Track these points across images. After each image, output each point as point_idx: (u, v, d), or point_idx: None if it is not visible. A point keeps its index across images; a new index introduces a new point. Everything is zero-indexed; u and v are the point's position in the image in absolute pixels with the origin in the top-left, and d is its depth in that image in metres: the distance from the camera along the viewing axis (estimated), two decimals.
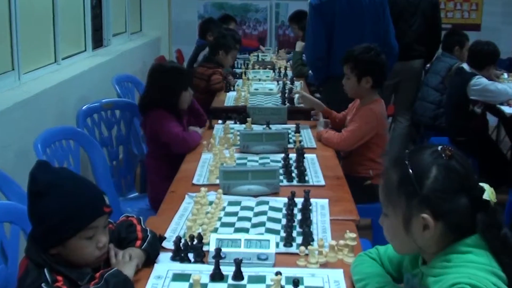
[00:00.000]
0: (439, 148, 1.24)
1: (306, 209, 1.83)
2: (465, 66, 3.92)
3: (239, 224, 1.79)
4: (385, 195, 1.28)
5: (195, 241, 1.57)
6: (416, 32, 4.37)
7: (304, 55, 4.79)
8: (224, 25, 5.35)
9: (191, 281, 1.42)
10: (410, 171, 1.22)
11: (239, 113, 3.09)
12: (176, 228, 1.76)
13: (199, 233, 1.61)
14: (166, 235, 1.68)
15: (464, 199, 1.19)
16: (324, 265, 1.54)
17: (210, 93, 4.03)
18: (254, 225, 1.77)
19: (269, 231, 1.73)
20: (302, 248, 1.57)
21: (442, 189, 1.19)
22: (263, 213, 1.86)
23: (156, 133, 2.64)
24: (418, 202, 1.21)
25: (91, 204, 1.41)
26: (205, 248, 1.57)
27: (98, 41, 4.65)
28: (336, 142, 2.68)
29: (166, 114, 2.67)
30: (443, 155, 1.22)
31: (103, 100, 3.11)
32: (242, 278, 1.46)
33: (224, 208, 1.92)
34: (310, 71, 3.67)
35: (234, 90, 4.01)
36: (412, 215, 1.22)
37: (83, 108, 3.00)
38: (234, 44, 4.29)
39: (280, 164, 2.32)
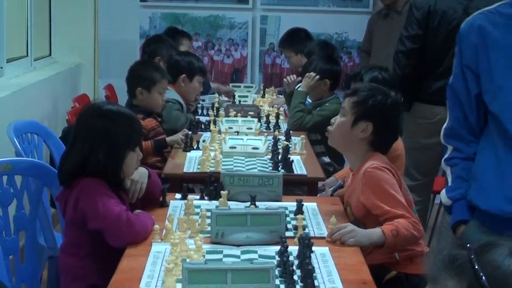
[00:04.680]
0: None
1: None
2: None
3: None
4: None
5: None
6: None
7: (309, 99, 4.95)
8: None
9: None
10: (485, 282, 1.28)
11: (208, 184, 3.19)
12: None
13: None
14: None
15: None
16: None
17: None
18: None
19: None
20: None
21: None
22: None
23: (84, 214, 2.70)
24: None
25: None
26: None
27: None
28: (413, 235, 2.78)
29: (101, 186, 2.73)
30: None
31: None
32: None
33: None
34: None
35: (198, 148, 4.12)
36: None
37: None
38: (161, 75, 4.38)
39: (275, 262, 2.39)
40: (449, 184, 2.62)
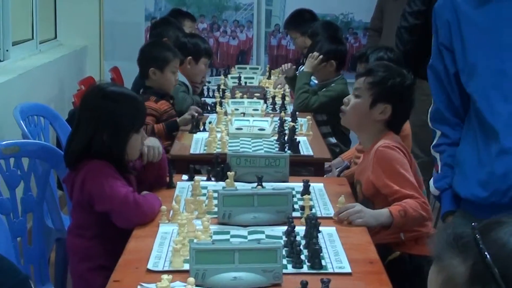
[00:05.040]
0: None
1: None
2: None
3: None
4: None
5: None
6: None
7: (315, 80, 4.95)
8: None
9: None
10: (489, 260, 1.27)
11: (215, 165, 3.20)
12: None
13: None
14: None
15: None
16: None
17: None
18: None
19: None
20: None
21: None
22: None
23: (90, 196, 2.70)
24: None
25: None
26: None
27: None
28: (422, 215, 2.77)
29: (107, 168, 2.73)
30: None
31: (3, 142, 3.18)
32: None
33: None
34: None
35: (204, 129, 4.13)
36: None
37: None
38: (173, 54, 4.37)
39: (282, 242, 2.40)
40: (438, 172, 2.52)
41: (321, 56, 4.83)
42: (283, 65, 5.30)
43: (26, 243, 3.11)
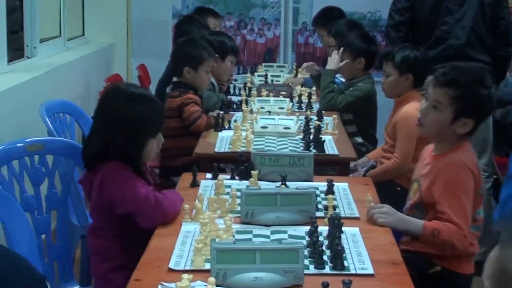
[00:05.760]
0: None
1: None
2: None
3: None
4: None
5: None
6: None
7: (340, 78, 4.94)
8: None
9: None
10: None
11: (239, 164, 3.19)
12: None
13: None
14: None
15: None
16: None
17: (190, 135, 4.16)
18: None
19: None
20: None
21: None
22: None
23: (111, 200, 2.69)
24: None
25: None
26: None
27: (17, 50, 4.80)
28: (454, 244, 2.70)
29: (125, 169, 2.72)
30: None
31: (28, 139, 3.20)
32: None
33: None
34: None
35: (229, 128, 4.12)
36: None
37: None
38: (208, 54, 4.37)
39: (304, 242, 2.38)
40: None
41: (341, 49, 4.80)
42: (304, 64, 5.34)
43: (50, 240, 3.13)
